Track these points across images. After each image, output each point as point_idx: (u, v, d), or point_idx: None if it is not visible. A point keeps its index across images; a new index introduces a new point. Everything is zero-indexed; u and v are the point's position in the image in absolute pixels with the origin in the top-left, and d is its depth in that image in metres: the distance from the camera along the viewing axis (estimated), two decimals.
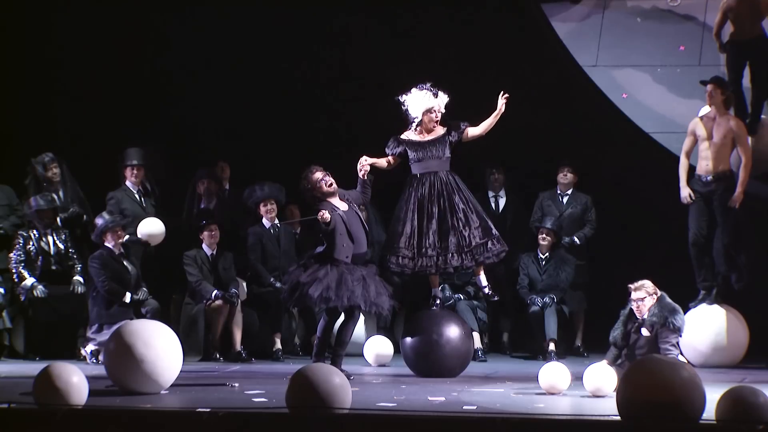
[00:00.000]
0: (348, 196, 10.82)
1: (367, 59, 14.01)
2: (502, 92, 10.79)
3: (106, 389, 9.19)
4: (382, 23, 14.05)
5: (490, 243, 10.84)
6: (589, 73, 13.65)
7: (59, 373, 8.01)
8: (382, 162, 10.94)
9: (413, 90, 10.89)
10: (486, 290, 11.04)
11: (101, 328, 11.85)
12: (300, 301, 10.89)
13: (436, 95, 10.86)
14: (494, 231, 10.87)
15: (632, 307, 9.82)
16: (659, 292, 9.80)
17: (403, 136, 10.97)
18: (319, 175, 10.72)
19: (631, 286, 9.82)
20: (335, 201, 10.72)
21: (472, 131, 10.93)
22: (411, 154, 10.90)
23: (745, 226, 12.11)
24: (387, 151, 10.95)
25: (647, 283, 9.80)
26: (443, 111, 10.91)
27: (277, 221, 12.90)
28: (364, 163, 10.80)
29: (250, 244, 12.82)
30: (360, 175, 10.81)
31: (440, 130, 10.94)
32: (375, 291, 10.62)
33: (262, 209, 12.87)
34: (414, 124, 10.92)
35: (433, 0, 14.03)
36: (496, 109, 10.78)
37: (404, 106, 10.91)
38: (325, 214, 10.46)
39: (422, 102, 10.88)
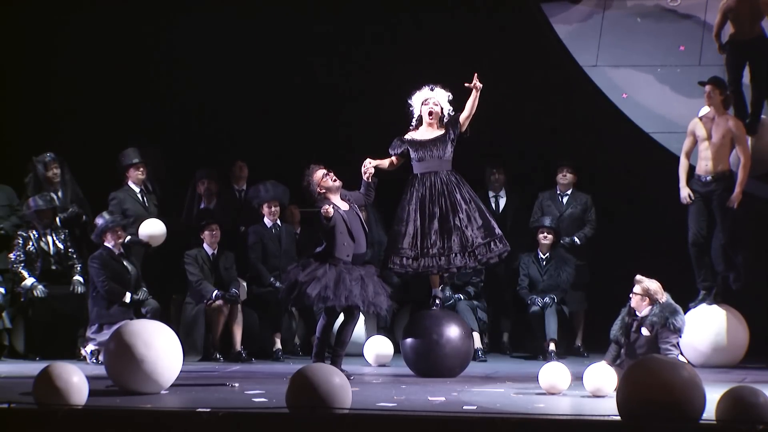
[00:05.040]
0: (349, 196, 10.85)
1: (369, 61, 14.01)
2: (475, 75, 10.80)
3: (106, 389, 9.19)
4: (383, 24, 14.05)
5: (492, 243, 10.86)
6: (589, 73, 13.63)
7: (59, 373, 8.01)
8: (385, 163, 11.00)
9: None
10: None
11: (101, 328, 11.85)
12: (298, 300, 10.88)
13: (432, 90, 10.96)
14: (497, 230, 10.90)
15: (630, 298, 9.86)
16: (663, 297, 9.77)
17: (406, 136, 11.02)
18: (321, 172, 10.77)
19: (636, 277, 9.84)
20: (336, 200, 10.74)
21: (463, 116, 10.95)
22: (413, 154, 10.94)
23: (743, 226, 12.11)
24: (390, 151, 11.01)
25: (648, 284, 9.78)
26: (443, 106, 10.96)
27: (278, 221, 12.90)
28: (369, 165, 10.83)
29: (250, 244, 12.80)
30: (365, 177, 10.86)
31: (442, 130, 10.98)
32: (373, 291, 10.63)
33: (266, 210, 12.85)
34: (414, 120, 10.98)
35: (433, 0, 14.03)
36: (473, 91, 10.83)
37: (411, 107, 11.03)
38: (329, 209, 10.47)
39: (420, 96, 11.00)
